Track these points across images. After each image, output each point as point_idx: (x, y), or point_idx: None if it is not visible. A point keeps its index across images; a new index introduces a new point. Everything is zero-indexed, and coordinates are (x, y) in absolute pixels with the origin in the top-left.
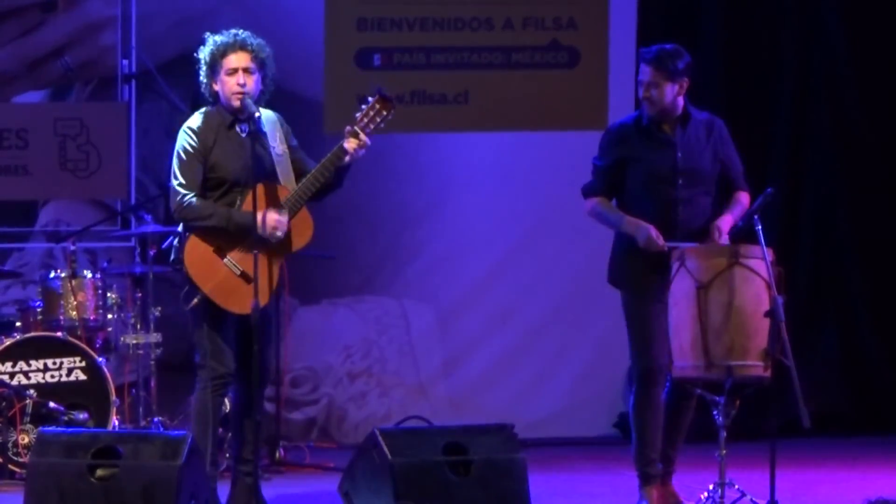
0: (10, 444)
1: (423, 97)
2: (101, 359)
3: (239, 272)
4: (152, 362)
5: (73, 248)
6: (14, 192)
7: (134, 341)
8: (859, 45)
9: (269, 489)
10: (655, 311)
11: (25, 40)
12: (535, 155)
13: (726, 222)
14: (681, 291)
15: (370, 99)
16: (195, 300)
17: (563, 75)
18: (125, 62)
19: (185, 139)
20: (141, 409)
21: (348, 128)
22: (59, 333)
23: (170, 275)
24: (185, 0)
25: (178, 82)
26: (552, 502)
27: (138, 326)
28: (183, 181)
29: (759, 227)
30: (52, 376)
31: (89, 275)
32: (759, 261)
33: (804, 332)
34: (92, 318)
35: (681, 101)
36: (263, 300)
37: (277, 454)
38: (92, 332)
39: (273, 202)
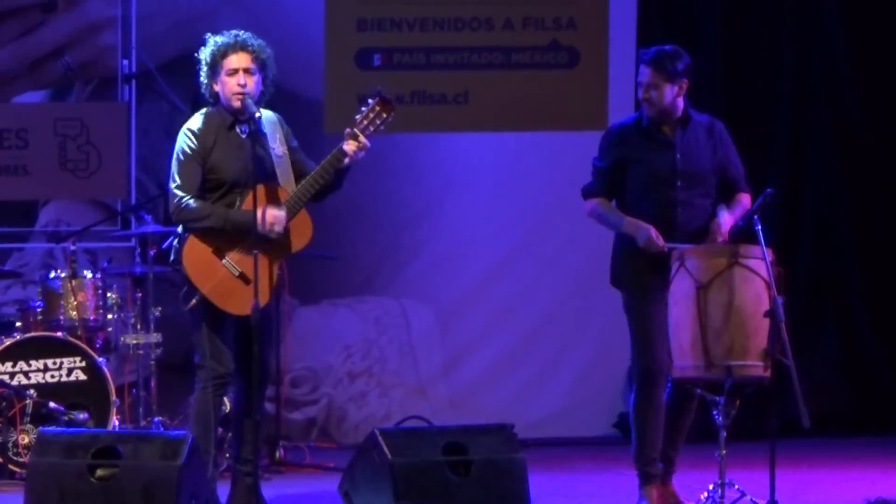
0: (10, 444)
1: (423, 97)
2: (101, 359)
3: (237, 273)
4: (152, 362)
5: (73, 248)
6: (14, 192)
7: (134, 341)
8: (859, 45)
9: (269, 489)
10: (656, 311)
11: (25, 40)
12: (535, 155)
13: (726, 221)
14: (681, 291)
15: (370, 101)
16: (194, 300)
17: (563, 75)
18: (125, 62)
19: (184, 141)
20: (141, 409)
21: (348, 130)
22: (59, 333)
23: (170, 275)
24: (185, 0)
25: (178, 82)
26: (552, 502)
27: (138, 326)
28: (181, 183)
29: (759, 227)
30: (53, 376)
31: (89, 275)
32: (759, 261)
33: (804, 332)
34: (92, 318)
35: (681, 102)
36: (263, 301)
37: (277, 454)
38: (92, 332)
39: (273, 203)
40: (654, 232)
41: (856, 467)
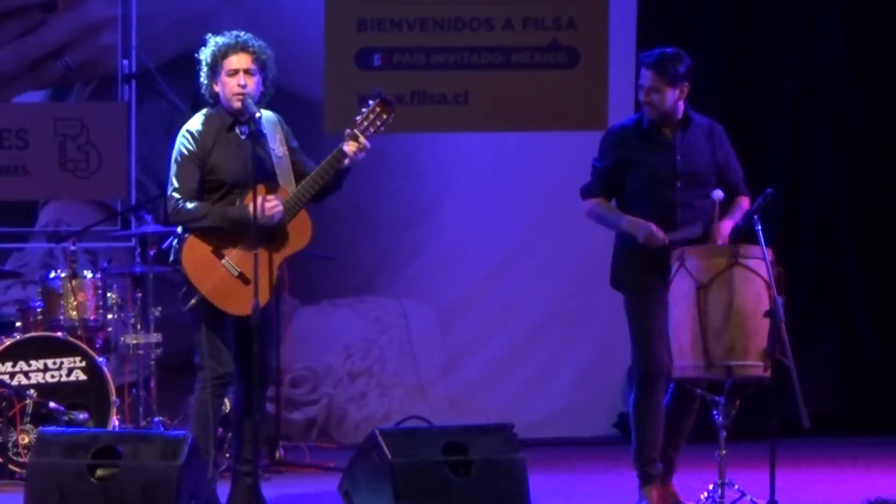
0: (10, 444)
1: (423, 97)
2: (101, 359)
3: (237, 273)
4: (152, 362)
5: (73, 248)
6: (14, 192)
7: (134, 341)
8: (859, 45)
9: (269, 489)
10: (656, 312)
11: (25, 40)
12: (535, 155)
13: (726, 226)
14: (681, 291)
15: (370, 102)
16: (193, 301)
17: (562, 75)
18: (125, 62)
19: (182, 142)
20: (141, 409)
21: (348, 131)
22: (59, 333)
23: (170, 275)
24: (185, 0)
25: (178, 82)
26: (552, 502)
27: (138, 326)
28: (178, 185)
29: (759, 227)
30: (53, 376)
31: (89, 275)
32: (759, 261)
33: (804, 332)
34: (92, 318)
35: (681, 104)
36: (263, 300)
37: (277, 454)
38: (92, 332)
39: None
40: (654, 227)
41: (856, 467)
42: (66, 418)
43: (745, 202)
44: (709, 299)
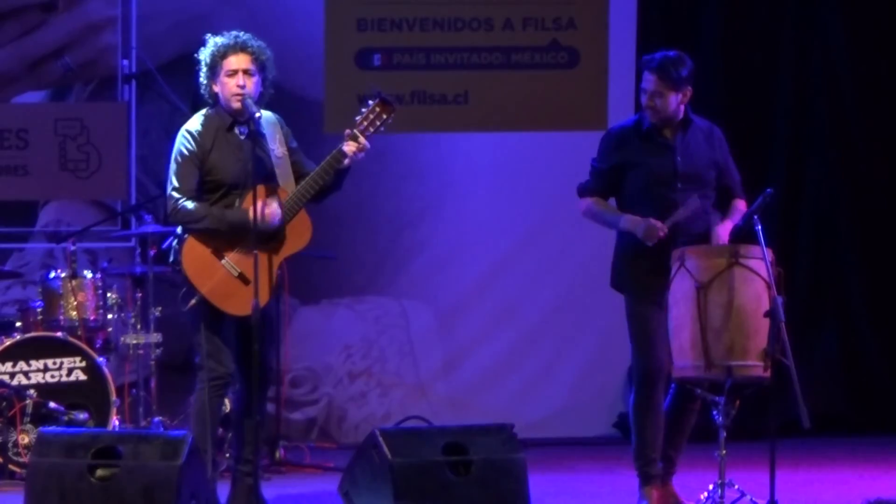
0: (10, 444)
1: (423, 97)
2: (101, 359)
3: (237, 273)
4: (152, 362)
5: (73, 248)
6: (14, 192)
7: (134, 341)
8: (859, 44)
9: (269, 489)
10: (656, 313)
11: (25, 40)
12: (535, 155)
13: (726, 228)
14: (681, 291)
15: (370, 102)
16: (193, 301)
17: (562, 75)
18: (125, 62)
19: (182, 142)
20: (141, 409)
21: (348, 131)
22: (59, 333)
23: (170, 275)
24: (185, 0)
25: (178, 82)
26: (552, 502)
27: (138, 326)
28: (177, 185)
29: (759, 227)
30: (53, 376)
31: (89, 275)
32: (759, 261)
33: (804, 332)
34: (92, 318)
35: (683, 107)
36: (262, 300)
37: (277, 454)
38: (92, 332)
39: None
40: (651, 220)
41: (855, 467)
42: (66, 418)
43: (741, 205)
44: (709, 299)
